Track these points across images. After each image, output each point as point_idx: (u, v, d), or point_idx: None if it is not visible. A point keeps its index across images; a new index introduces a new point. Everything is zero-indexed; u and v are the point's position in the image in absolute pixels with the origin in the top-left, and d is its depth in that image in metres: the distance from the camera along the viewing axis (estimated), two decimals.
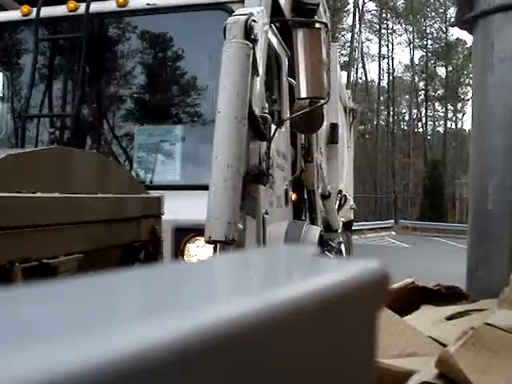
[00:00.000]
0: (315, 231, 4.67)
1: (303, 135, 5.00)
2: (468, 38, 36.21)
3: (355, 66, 35.88)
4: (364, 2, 39.01)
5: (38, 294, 0.36)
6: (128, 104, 4.21)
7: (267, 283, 0.45)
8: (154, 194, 2.93)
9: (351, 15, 37.97)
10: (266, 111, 3.42)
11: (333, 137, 7.04)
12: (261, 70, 3.35)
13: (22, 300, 0.34)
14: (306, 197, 5.25)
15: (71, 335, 0.28)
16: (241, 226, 2.91)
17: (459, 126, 46.94)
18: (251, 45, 3.01)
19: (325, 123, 6.82)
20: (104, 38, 4.27)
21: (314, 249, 0.60)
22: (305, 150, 5.08)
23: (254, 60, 3.11)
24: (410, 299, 2.00)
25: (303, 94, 3.46)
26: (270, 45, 3.90)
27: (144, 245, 2.35)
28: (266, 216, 3.53)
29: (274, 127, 3.56)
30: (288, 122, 4.19)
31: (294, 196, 4.67)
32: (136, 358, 0.26)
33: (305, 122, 3.72)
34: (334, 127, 7.07)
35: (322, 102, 3.65)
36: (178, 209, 3.02)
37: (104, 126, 4.13)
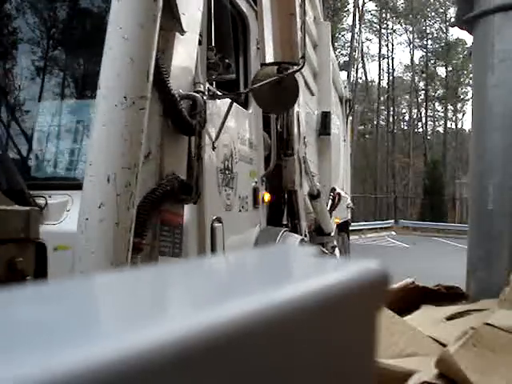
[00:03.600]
0: (294, 240, 3.91)
1: (280, 121, 4.08)
2: (468, 38, 36.22)
3: (355, 66, 35.95)
4: (364, 2, 39.11)
5: (37, 294, 0.36)
6: (25, 72, 2.99)
7: (267, 283, 0.45)
8: (56, 196, 2.11)
9: (351, 15, 38.10)
10: (201, 89, 2.36)
11: (325, 127, 6.11)
12: (192, 26, 2.30)
13: (22, 300, 0.34)
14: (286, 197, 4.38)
15: (70, 336, 0.28)
16: None
17: (459, 126, 47.03)
18: None
19: (316, 112, 6.12)
20: None
21: (315, 249, 0.60)
22: (284, 140, 4.16)
23: (172, 9, 2.12)
24: (410, 299, 1.99)
25: (269, 59, 2.55)
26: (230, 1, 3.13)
27: None
28: (216, 225, 2.68)
29: (227, 103, 2.71)
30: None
31: (267, 196, 3.79)
32: (136, 359, 0.26)
33: (273, 96, 2.67)
34: (326, 116, 6.17)
35: (295, 68, 2.67)
36: None
37: None
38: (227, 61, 2.77)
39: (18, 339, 0.27)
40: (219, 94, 2.69)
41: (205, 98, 2.33)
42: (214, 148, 2.74)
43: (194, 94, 2.29)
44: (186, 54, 2.31)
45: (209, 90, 2.65)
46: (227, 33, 2.93)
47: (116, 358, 0.25)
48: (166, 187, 2.07)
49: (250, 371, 0.33)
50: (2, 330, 0.28)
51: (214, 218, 2.69)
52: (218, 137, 2.74)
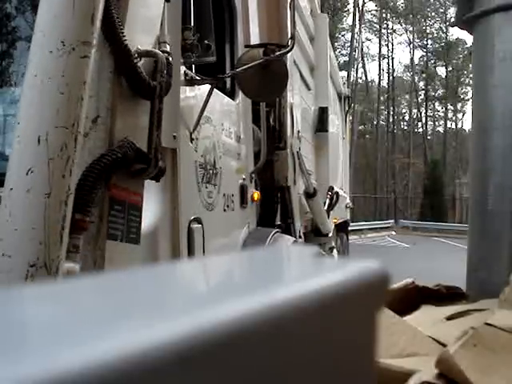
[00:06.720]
0: (286, 241, 3.61)
1: (272, 114, 3.80)
2: (468, 38, 36.25)
3: (355, 66, 36.01)
4: (364, 2, 39.13)
5: (38, 294, 0.36)
6: None
7: (267, 283, 0.45)
8: None
9: (351, 15, 38.13)
10: (166, 49, 1.97)
11: (322, 123, 5.92)
12: None
13: (22, 300, 0.34)
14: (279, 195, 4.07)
15: (70, 335, 0.28)
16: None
17: (459, 126, 47.00)
18: None
19: (312, 107, 5.89)
20: None
21: (316, 249, 0.60)
22: (276, 134, 3.86)
23: None
24: (410, 299, 1.99)
25: (255, 40, 2.34)
26: None
27: None
28: (195, 226, 2.38)
29: (206, 88, 2.48)
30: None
31: (256, 194, 3.49)
32: (136, 359, 0.26)
33: (259, 82, 2.40)
34: (323, 112, 5.97)
35: (283, 50, 2.39)
36: None
37: None
38: (207, 42, 2.43)
39: (18, 339, 0.27)
40: (198, 78, 2.41)
41: (170, 58, 1.94)
42: (191, 140, 2.44)
43: (156, 50, 1.90)
44: (147, 5, 1.93)
45: (186, 74, 2.41)
46: (207, 12, 2.58)
47: (116, 357, 0.25)
48: (117, 154, 1.66)
49: (250, 371, 0.33)
50: (2, 330, 0.28)
51: (192, 218, 2.38)
52: (196, 127, 2.45)
